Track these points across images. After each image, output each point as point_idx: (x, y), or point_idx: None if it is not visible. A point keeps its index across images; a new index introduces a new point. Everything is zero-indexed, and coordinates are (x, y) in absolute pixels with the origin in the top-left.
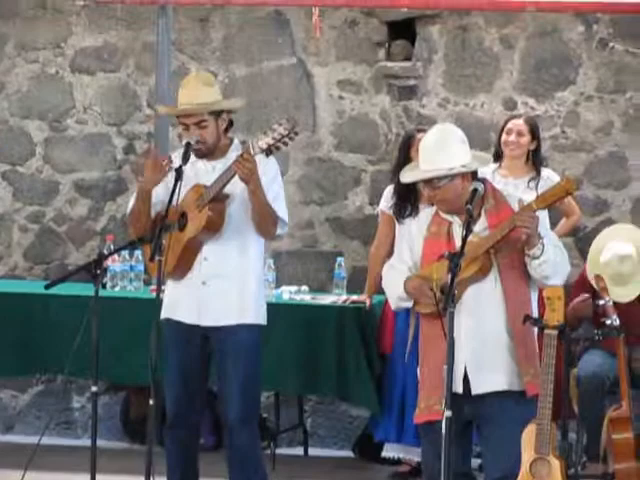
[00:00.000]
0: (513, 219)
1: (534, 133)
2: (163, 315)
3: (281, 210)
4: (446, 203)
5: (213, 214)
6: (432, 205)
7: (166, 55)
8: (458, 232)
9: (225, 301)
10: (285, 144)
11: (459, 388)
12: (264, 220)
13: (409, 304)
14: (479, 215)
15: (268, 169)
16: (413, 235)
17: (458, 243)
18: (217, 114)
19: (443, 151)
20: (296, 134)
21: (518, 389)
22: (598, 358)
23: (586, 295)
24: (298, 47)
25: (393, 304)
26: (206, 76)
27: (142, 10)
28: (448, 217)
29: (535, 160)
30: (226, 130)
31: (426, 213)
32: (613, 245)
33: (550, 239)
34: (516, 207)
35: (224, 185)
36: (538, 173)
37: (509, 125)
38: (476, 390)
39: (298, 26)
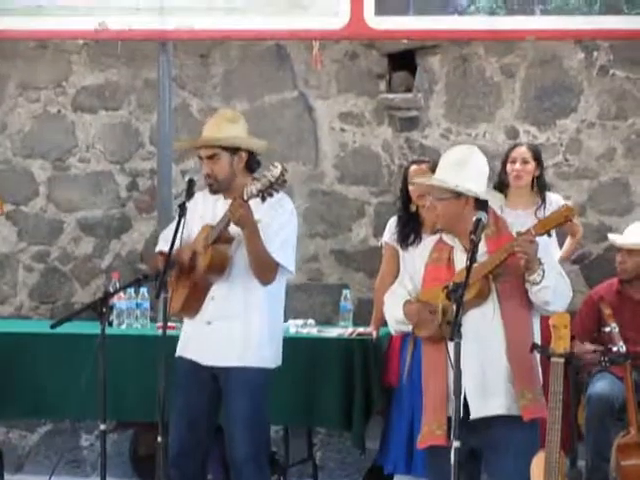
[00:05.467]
0: (511, 244)
1: (538, 159)
2: (177, 353)
3: (286, 257)
4: (443, 220)
5: (216, 255)
6: (435, 233)
7: (167, 92)
8: (459, 258)
9: (227, 342)
10: (276, 190)
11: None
12: (257, 266)
13: (408, 328)
14: (479, 241)
15: (280, 214)
16: (415, 261)
17: (458, 269)
18: (233, 151)
19: (459, 169)
20: (285, 182)
21: (517, 414)
22: (607, 381)
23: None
24: (299, 80)
25: (392, 328)
26: (232, 113)
27: (142, 47)
28: (449, 242)
29: (540, 186)
30: (250, 169)
31: (430, 240)
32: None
33: (552, 266)
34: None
35: (226, 226)
36: (543, 199)
37: (513, 154)
38: (475, 414)
39: (299, 59)
